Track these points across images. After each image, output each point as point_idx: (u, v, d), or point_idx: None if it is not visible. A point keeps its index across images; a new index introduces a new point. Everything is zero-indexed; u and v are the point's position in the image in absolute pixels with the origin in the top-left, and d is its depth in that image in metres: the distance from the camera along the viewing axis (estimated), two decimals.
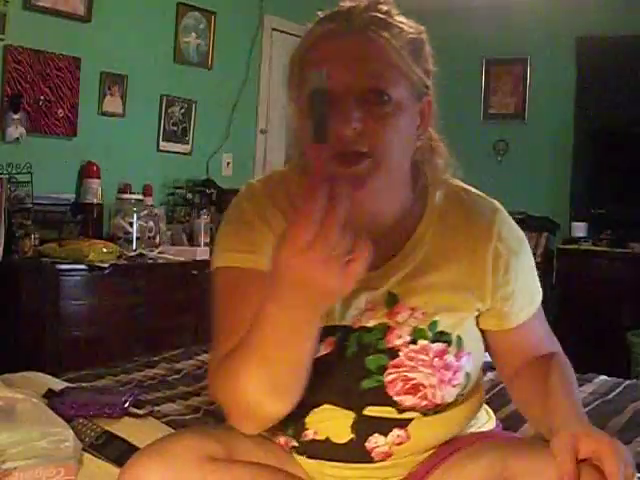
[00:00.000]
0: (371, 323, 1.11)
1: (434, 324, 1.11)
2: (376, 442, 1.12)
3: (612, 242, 4.44)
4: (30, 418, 1.41)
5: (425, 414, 1.12)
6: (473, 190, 1.21)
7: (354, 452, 1.12)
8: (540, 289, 1.21)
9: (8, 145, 3.35)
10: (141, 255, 3.54)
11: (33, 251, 3.17)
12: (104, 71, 3.80)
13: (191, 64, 4.30)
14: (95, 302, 3.21)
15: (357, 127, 1.01)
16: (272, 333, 0.89)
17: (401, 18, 1.09)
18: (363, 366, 1.10)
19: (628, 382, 2.29)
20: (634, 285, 4.24)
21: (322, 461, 1.15)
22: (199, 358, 2.39)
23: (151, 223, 3.70)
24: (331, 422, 1.12)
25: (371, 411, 1.11)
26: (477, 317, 1.17)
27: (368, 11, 1.06)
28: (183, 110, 4.26)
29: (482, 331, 1.19)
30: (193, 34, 4.29)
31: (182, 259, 3.67)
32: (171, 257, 3.65)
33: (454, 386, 1.11)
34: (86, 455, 1.44)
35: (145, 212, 3.71)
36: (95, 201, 3.65)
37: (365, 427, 1.11)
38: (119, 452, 1.44)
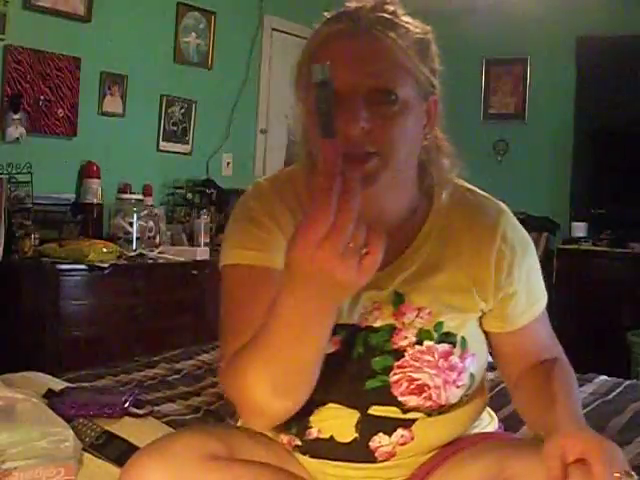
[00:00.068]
0: (378, 323, 1.11)
1: (439, 325, 1.11)
2: (380, 442, 1.12)
3: (612, 242, 4.44)
4: (30, 418, 1.41)
5: (429, 414, 1.12)
6: (479, 191, 1.22)
7: (358, 451, 1.13)
8: (545, 293, 1.21)
9: (8, 145, 3.35)
10: (141, 255, 3.54)
11: (33, 251, 3.17)
12: (104, 71, 3.80)
13: (191, 64, 4.30)
14: (95, 302, 3.21)
15: (365, 127, 1.01)
16: (285, 329, 0.88)
17: (407, 18, 1.09)
18: (369, 367, 1.10)
19: (628, 382, 2.29)
20: (634, 285, 4.23)
21: (325, 460, 1.15)
22: (199, 358, 2.39)
23: (151, 223, 3.70)
24: (335, 421, 1.12)
25: (376, 410, 1.11)
26: (481, 318, 1.17)
27: (375, 11, 1.06)
28: (183, 110, 4.26)
29: (486, 333, 1.19)
30: (193, 34, 4.29)
31: (182, 259, 3.67)
32: (171, 257, 3.65)
33: (458, 387, 1.12)
34: (86, 455, 1.44)
35: (145, 212, 3.71)
36: (95, 201, 3.65)
37: (369, 427, 1.12)
38: (119, 452, 1.44)
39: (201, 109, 4.34)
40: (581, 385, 2.02)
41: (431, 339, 1.10)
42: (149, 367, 2.24)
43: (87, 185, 3.64)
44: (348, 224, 0.76)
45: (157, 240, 3.72)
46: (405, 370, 1.10)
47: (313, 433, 1.13)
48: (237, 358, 0.99)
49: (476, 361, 1.14)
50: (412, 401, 1.10)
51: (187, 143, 4.31)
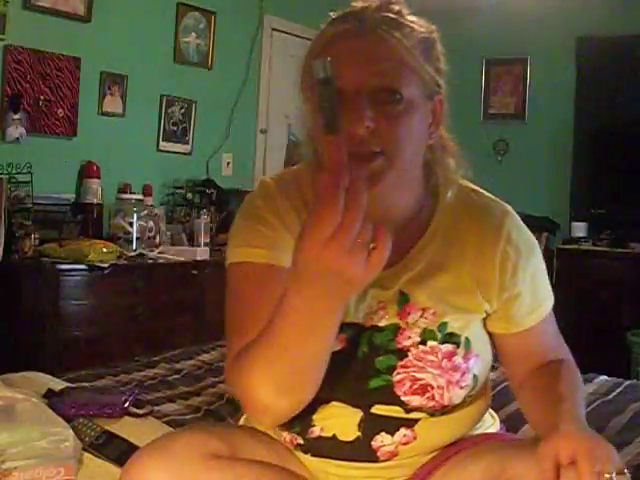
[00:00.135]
0: (383, 323, 1.11)
1: (443, 325, 1.11)
2: (382, 441, 1.12)
3: (612, 242, 4.44)
4: (30, 418, 1.41)
5: (432, 415, 1.12)
6: (484, 192, 1.22)
7: (360, 451, 1.13)
8: (551, 294, 1.21)
9: (8, 145, 3.35)
10: (141, 255, 3.54)
11: (33, 251, 3.17)
12: (104, 71, 3.79)
13: (191, 64, 4.30)
14: (95, 302, 3.21)
15: (370, 126, 1.01)
16: (292, 328, 0.88)
17: (412, 18, 1.09)
18: (373, 366, 1.11)
19: (628, 382, 2.29)
20: (634, 285, 4.23)
21: (327, 459, 1.15)
22: (199, 358, 2.39)
23: (151, 223, 3.70)
24: (338, 419, 1.12)
25: (379, 410, 1.12)
26: (485, 319, 1.17)
27: (380, 11, 1.06)
28: (183, 110, 4.26)
29: (491, 335, 1.19)
30: (193, 34, 4.29)
31: (182, 259, 3.67)
32: (171, 257, 3.65)
33: (462, 388, 1.12)
34: (86, 455, 1.44)
35: (145, 212, 3.71)
36: (95, 201, 3.65)
37: (372, 425, 1.12)
38: (119, 452, 1.44)
39: (201, 109, 4.34)
40: None
41: (435, 339, 1.11)
42: (149, 367, 2.24)
43: (87, 185, 3.64)
44: (355, 222, 0.76)
45: (157, 240, 3.72)
46: (408, 370, 1.10)
47: (316, 431, 1.14)
48: (242, 357, 0.99)
49: (480, 362, 1.14)
50: (415, 401, 1.10)
51: (187, 143, 4.31)
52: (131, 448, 1.39)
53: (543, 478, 0.93)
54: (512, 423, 1.59)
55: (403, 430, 1.12)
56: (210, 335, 2.74)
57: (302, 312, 0.86)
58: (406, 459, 1.15)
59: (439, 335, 1.11)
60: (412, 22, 1.08)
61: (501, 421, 1.36)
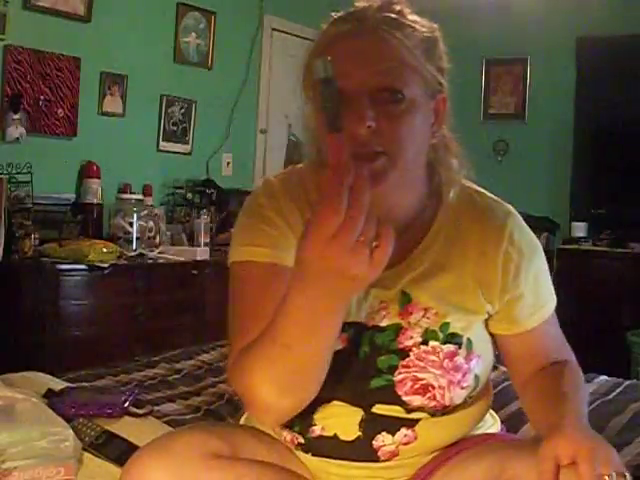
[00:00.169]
0: (384, 322, 1.11)
1: (445, 326, 1.11)
2: (383, 441, 1.12)
3: (612, 242, 4.44)
4: (30, 418, 1.41)
5: (433, 415, 1.12)
6: (487, 193, 1.22)
7: (360, 450, 1.13)
8: (554, 296, 1.21)
9: (8, 145, 3.35)
10: (141, 255, 3.54)
11: (33, 251, 3.17)
12: (104, 71, 3.79)
13: (191, 64, 4.30)
14: (95, 302, 3.21)
15: (371, 126, 1.01)
16: (295, 328, 0.89)
17: (414, 17, 1.09)
18: (374, 366, 1.11)
19: (628, 382, 2.28)
20: (634, 285, 4.23)
21: (327, 459, 1.15)
22: (199, 358, 2.39)
23: (151, 223, 3.70)
24: (339, 419, 1.12)
25: (380, 409, 1.12)
26: (487, 320, 1.17)
27: (381, 11, 1.06)
28: (183, 110, 4.26)
29: (494, 336, 1.19)
30: (193, 34, 4.29)
31: (182, 259, 3.67)
32: (171, 257, 3.65)
33: (463, 388, 1.12)
34: (86, 454, 1.44)
35: (145, 212, 3.71)
36: (95, 201, 3.65)
37: (373, 425, 1.12)
38: (119, 451, 1.44)
39: (201, 109, 4.34)
40: None
41: (437, 339, 1.11)
42: (149, 367, 2.24)
43: (87, 185, 3.64)
44: (358, 220, 0.76)
45: (157, 240, 3.72)
46: (410, 370, 1.10)
47: (316, 431, 1.14)
48: (244, 355, 0.99)
49: (481, 363, 1.14)
50: (416, 401, 1.10)
51: (187, 143, 4.31)
52: (131, 448, 1.39)
53: (542, 478, 0.93)
54: (512, 423, 1.59)
55: (404, 430, 1.12)
56: (210, 335, 2.74)
57: (305, 311, 0.86)
58: (407, 459, 1.15)
59: (441, 335, 1.11)
60: (414, 22, 1.08)
61: (501, 421, 1.36)
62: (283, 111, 4.74)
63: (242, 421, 1.32)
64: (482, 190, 1.22)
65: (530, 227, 1.21)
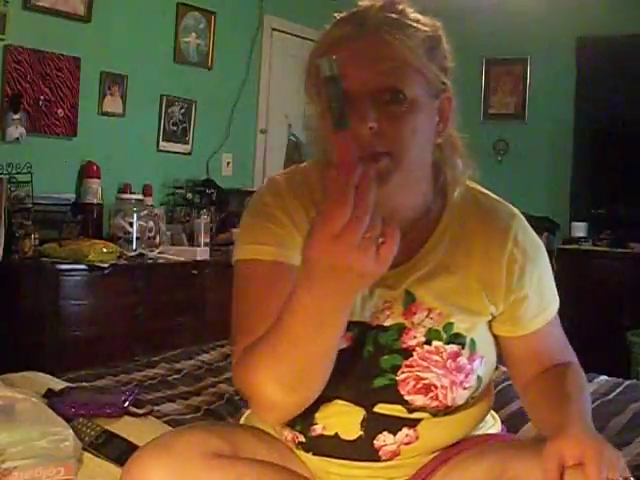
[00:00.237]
0: (388, 322, 1.11)
1: (449, 326, 1.11)
2: (385, 440, 1.12)
3: (612, 242, 4.44)
4: (30, 418, 1.41)
5: (435, 415, 1.12)
6: (491, 194, 1.22)
7: (362, 450, 1.13)
8: (557, 298, 1.21)
9: (8, 145, 3.35)
10: (141, 255, 3.54)
11: (33, 251, 3.17)
12: (104, 71, 3.80)
13: (191, 64, 4.30)
14: (95, 302, 3.21)
15: (373, 126, 1.01)
16: (300, 326, 0.89)
17: (417, 16, 1.09)
18: (378, 365, 1.11)
19: (628, 382, 2.28)
20: (634, 285, 4.23)
21: (328, 458, 1.15)
22: (199, 358, 2.39)
23: (151, 223, 3.70)
24: (341, 418, 1.12)
25: (381, 409, 1.12)
26: (491, 322, 1.17)
27: (383, 12, 1.06)
28: (183, 110, 4.26)
29: (497, 337, 1.19)
30: (193, 34, 4.29)
31: (182, 259, 3.67)
32: (171, 257, 3.65)
33: (465, 388, 1.12)
34: (86, 454, 1.44)
35: (145, 212, 3.71)
36: (95, 201, 3.65)
37: (375, 425, 1.12)
38: (119, 451, 1.44)
39: (201, 109, 4.34)
40: None
41: (440, 339, 1.11)
42: (149, 367, 2.24)
43: (87, 185, 3.64)
44: (364, 217, 0.76)
45: (157, 240, 3.72)
46: (413, 369, 1.10)
47: (318, 430, 1.14)
48: (249, 354, 0.99)
49: (484, 363, 1.14)
50: (418, 400, 1.10)
51: (187, 143, 4.31)
52: (131, 448, 1.39)
53: (547, 477, 0.92)
54: (513, 423, 1.59)
55: (405, 430, 1.12)
56: (210, 335, 2.74)
57: (311, 309, 0.86)
58: (408, 459, 1.15)
59: (444, 335, 1.11)
60: (416, 21, 1.07)
61: (501, 421, 1.36)
62: (283, 111, 4.74)
63: (242, 421, 1.32)
64: (486, 191, 1.22)
65: (530, 227, 1.21)
